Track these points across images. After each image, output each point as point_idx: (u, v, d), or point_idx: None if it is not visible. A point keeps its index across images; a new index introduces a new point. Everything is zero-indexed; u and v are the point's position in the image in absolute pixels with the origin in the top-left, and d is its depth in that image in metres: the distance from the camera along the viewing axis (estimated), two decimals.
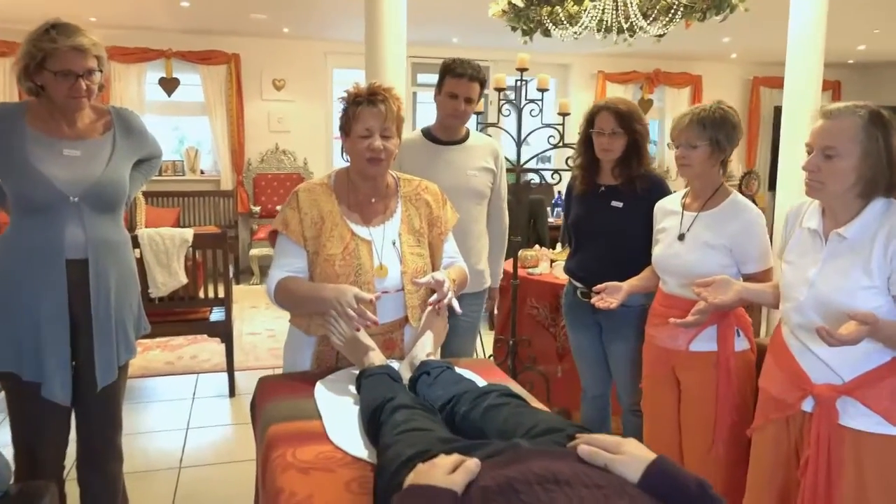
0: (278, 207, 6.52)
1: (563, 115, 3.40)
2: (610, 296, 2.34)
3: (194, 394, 4.13)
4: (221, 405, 3.97)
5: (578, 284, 2.77)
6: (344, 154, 2.06)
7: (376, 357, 1.79)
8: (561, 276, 3.65)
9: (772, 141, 8.97)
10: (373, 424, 1.45)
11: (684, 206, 2.29)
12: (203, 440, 3.52)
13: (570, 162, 2.88)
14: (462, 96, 2.72)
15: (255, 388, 1.96)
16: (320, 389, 1.78)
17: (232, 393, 4.07)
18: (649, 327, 2.36)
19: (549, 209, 6.35)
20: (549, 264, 3.82)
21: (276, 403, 1.74)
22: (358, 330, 1.80)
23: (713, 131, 2.16)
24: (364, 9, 3.71)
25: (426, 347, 1.83)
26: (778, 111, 9.22)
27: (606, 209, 2.66)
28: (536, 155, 3.59)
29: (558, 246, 4.19)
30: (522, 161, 3.47)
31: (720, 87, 8.86)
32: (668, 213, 2.34)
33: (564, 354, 3.56)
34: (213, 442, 3.50)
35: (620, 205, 2.63)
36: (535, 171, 3.52)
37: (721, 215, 2.19)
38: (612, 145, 2.60)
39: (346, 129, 1.96)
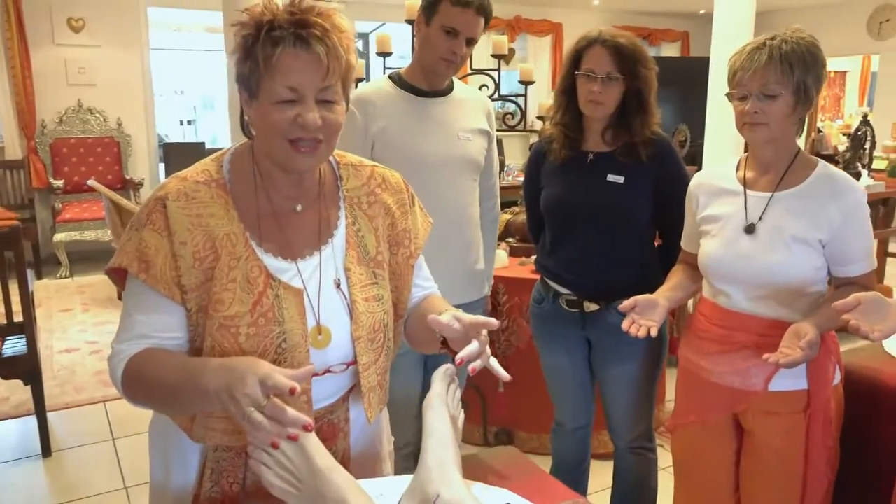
0: (89, 182, 5.14)
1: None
2: (645, 316, 1.61)
3: None
4: (32, 474, 2.80)
5: (562, 289, 2.03)
6: (246, 125, 1.15)
7: None
8: (498, 266, 2.90)
9: None
10: None
11: (746, 184, 1.60)
12: None
13: (543, 121, 2.10)
14: (463, 34, 1.89)
15: None
16: None
17: (46, 451, 2.92)
18: (695, 355, 1.67)
19: None
20: None
21: None
22: (276, 447, 0.95)
23: (802, 73, 1.47)
24: None
25: (453, 482, 0.98)
26: None
27: (601, 186, 1.92)
28: None
29: None
30: None
31: None
32: (720, 193, 1.64)
33: (508, 365, 2.83)
34: None
35: (621, 179, 1.91)
36: None
37: (811, 195, 1.52)
38: (606, 96, 1.86)
39: (249, 85, 1.06)
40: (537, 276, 2.78)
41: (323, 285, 1.15)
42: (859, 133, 3.98)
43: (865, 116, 4.07)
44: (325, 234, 1.18)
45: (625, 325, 1.60)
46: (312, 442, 0.94)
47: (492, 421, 2.96)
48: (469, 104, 2.07)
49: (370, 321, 1.18)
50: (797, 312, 1.51)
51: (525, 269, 2.89)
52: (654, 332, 1.58)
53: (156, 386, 1.03)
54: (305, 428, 0.92)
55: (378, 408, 1.25)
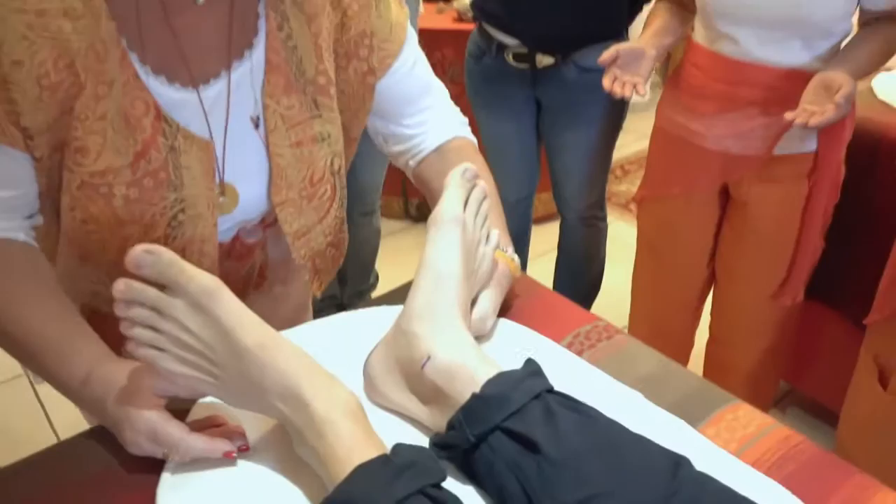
0: None
1: None
2: (628, 70, 1.28)
3: None
4: None
5: (508, 40, 1.63)
6: None
7: (358, 434, 0.58)
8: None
9: None
10: None
11: None
12: None
13: None
14: None
15: None
16: None
17: None
18: (683, 116, 1.38)
19: None
20: None
21: None
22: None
23: None
24: None
25: (449, 337, 0.67)
26: None
27: None
28: None
29: None
30: None
31: None
32: None
33: None
34: None
35: None
36: None
37: None
38: None
39: None
40: (462, 26, 2.36)
41: (232, 123, 0.74)
42: None
43: None
44: (240, 44, 0.73)
45: (606, 82, 1.27)
46: (225, 306, 0.59)
47: (412, 192, 2.69)
48: None
49: (305, 173, 0.79)
50: (817, 59, 1.22)
51: (445, 17, 2.43)
52: (640, 90, 1.27)
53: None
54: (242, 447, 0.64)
55: (332, 272, 0.93)
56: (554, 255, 2.04)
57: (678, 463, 0.55)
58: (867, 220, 1.44)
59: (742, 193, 1.38)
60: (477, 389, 0.61)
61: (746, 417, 0.70)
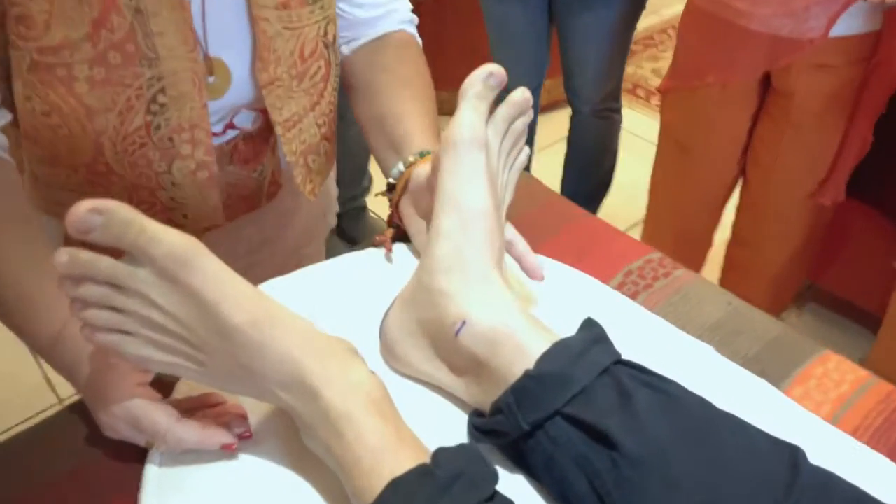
0: None
1: None
2: None
3: None
4: None
5: None
6: None
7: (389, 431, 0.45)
8: None
9: None
10: None
11: None
12: None
13: None
14: None
15: None
16: None
17: None
18: None
19: None
20: None
21: None
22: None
23: None
24: None
25: (488, 292, 0.53)
26: None
27: None
28: None
29: None
30: None
31: None
32: None
33: (422, 13, 2.24)
34: None
35: None
36: None
37: None
38: None
39: None
40: None
41: None
42: None
43: None
44: None
45: None
46: (205, 274, 0.45)
47: None
48: None
49: (294, 45, 0.65)
50: None
51: None
52: None
53: None
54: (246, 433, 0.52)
55: (327, 172, 0.80)
56: (559, 146, 1.89)
57: (794, 456, 0.44)
58: None
59: (787, 83, 1.21)
60: (528, 362, 0.49)
61: (838, 372, 0.59)
